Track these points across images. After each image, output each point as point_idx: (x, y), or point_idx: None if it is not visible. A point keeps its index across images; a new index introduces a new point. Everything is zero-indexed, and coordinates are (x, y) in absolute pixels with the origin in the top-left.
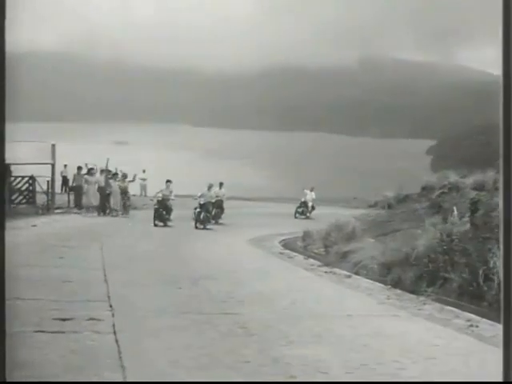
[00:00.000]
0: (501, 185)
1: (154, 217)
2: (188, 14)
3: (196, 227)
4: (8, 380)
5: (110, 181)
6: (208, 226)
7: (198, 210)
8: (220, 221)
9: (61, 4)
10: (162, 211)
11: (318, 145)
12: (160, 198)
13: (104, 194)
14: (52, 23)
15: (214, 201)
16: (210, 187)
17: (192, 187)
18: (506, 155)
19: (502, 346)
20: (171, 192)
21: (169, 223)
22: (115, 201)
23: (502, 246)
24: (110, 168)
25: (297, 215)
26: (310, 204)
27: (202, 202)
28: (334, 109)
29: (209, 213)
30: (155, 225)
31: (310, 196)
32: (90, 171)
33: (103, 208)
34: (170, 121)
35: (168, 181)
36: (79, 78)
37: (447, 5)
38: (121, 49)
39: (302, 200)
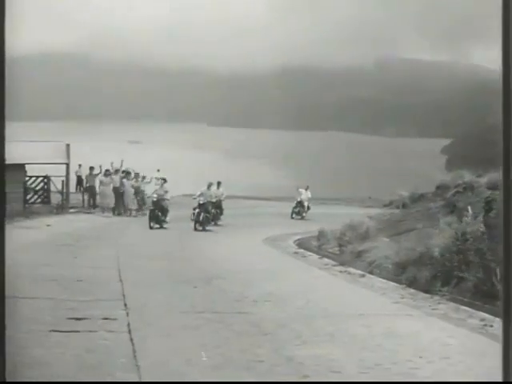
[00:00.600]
0: (501, 185)
1: (150, 218)
2: (201, 14)
3: (195, 229)
4: (8, 380)
5: (124, 180)
6: (207, 228)
7: (198, 210)
8: (219, 222)
9: (74, 5)
10: (158, 212)
11: (332, 144)
12: (155, 199)
13: (118, 194)
14: (65, 25)
15: (214, 200)
16: (209, 186)
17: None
18: (506, 155)
19: (502, 347)
20: (166, 192)
21: (165, 225)
22: (129, 201)
23: (502, 246)
24: (123, 168)
25: (293, 215)
26: (305, 204)
27: (201, 202)
28: (348, 108)
29: (208, 213)
30: (150, 227)
31: (305, 195)
32: (106, 172)
33: (118, 208)
34: (183, 120)
35: (162, 179)
36: (93, 79)
37: (460, 4)
38: (134, 49)
39: (298, 200)
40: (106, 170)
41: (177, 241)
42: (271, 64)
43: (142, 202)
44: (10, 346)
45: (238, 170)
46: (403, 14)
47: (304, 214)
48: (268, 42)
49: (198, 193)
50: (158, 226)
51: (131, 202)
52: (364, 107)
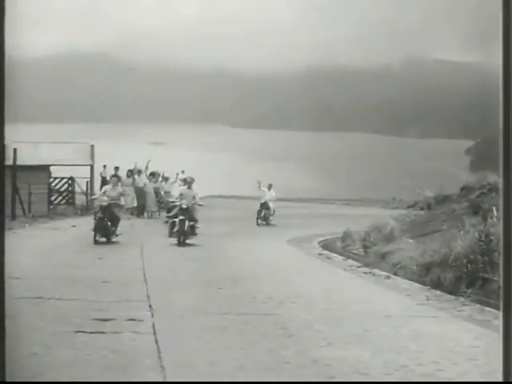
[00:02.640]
0: (501, 185)
1: (95, 230)
2: (226, 15)
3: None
4: (8, 380)
5: (146, 181)
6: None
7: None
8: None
9: (99, 5)
10: (107, 222)
11: (356, 145)
12: (105, 203)
13: (141, 195)
14: (91, 24)
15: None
16: (187, 184)
17: (231, 188)
18: (506, 155)
19: (502, 347)
20: (120, 194)
21: (113, 238)
22: (151, 202)
23: (501, 244)
24: (150, 169)
25: (259, 221)
26: (271, 205)
27: (184, 206)
28: (373, 109)
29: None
30: (95, 241)
31: (269, 195)
32: (127, 172)
33: (139, 209)
34: (207, 121)
35: (114, 176)
36: (118, 79)
37: (490, 4)
38: (159, 50)
39: (262, 201)
40: (128, 171)
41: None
42: (295, 64)
43: (160, 204)
44: (36, 347)
45: (263, 172)
46: (430, 14)
47: (271, 218)
48: (292, 43)
49: (177, 193)
50: (104, 239)
51: (153, 203)
52: (389, 108)
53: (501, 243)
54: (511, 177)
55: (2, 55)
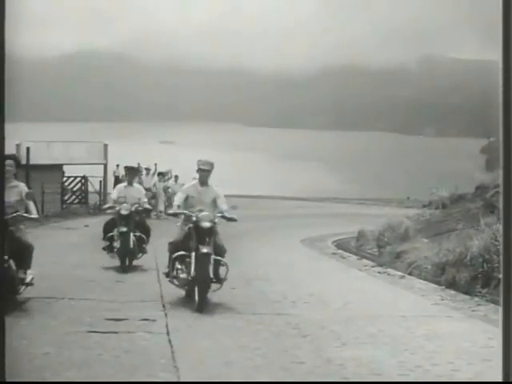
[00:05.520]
0: (501, 185)
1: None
2: (242, 15)
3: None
4: (8, 380)
5: (155, 181)
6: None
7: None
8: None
9: (114, 6)
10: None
11: (371, 144)
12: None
13: (150, 196)
14: (105, 24)
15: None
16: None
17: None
18: (506, 155)
19: (502, 347)
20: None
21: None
22: (160, 202)
23: (502, 244)
24: (160, 170)
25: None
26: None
27: (123, 213)
28: (390, 108)
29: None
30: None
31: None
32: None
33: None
34: (221, 120)
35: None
36: (131, 79)
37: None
38: (173, 49)
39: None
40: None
41: None
42: (311, 63)
43: (168, 203)
44: (48, 346)
45: (278, 171)
46: (447, 12)
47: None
48: (308, 42)
49: (114, 194)
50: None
51: (161, 203)
52: (405, 107)
53: (501, 242)
54: (511, 177)
55: (2, 55)
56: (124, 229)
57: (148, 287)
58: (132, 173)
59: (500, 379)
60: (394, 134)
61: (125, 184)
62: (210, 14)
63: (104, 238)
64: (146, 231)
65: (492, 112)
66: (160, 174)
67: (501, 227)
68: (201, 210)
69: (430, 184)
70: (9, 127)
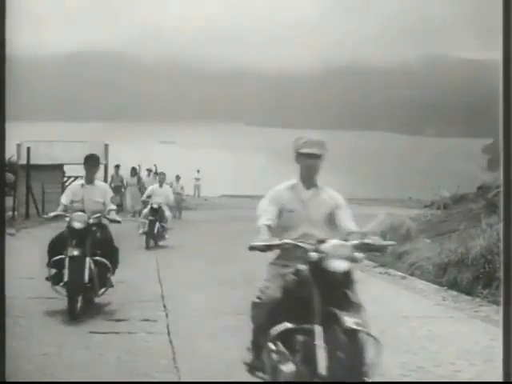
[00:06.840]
0: (501, 184)
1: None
2: (247, 15)
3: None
4: (8, 380)
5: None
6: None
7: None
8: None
9: (117, 5)
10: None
11: (373, 144)
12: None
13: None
14: (106, 24)
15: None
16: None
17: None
18: (506, 155)
19: (502, 347)
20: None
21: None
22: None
23: (502, 244)
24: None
25: (150, 244)
26: (166, 213)
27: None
28: (393, 108)
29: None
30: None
31: (163, 196)
32: (132, 172)
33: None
34: (225, 120)
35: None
36: (133, 79)
37: None
38: (177, 49)
39: (154, 206)
40: (133, 169)
41: None
42: (314, 63)
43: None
44: (50, 347)
45: (279, 171)
46: (453, 12)
47: (165, 234)
48: (311, 41)
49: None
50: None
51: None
52: (408, 106)
53: (501, 243)
54: (511, 177)
55: (2, 55)
56: (75, 252)
57: (148, 288)
58: (91, 164)
59: (501, 379)
60: (395, 133)
61: (82, 182)
62: (209, 13)
63: (48, 264)
64: (112, 254)
65: (495, 112)
66: (155, 173)
67: (501, 234)
68: (321, 241)
69: (432, 184)
70: (9, 127)
